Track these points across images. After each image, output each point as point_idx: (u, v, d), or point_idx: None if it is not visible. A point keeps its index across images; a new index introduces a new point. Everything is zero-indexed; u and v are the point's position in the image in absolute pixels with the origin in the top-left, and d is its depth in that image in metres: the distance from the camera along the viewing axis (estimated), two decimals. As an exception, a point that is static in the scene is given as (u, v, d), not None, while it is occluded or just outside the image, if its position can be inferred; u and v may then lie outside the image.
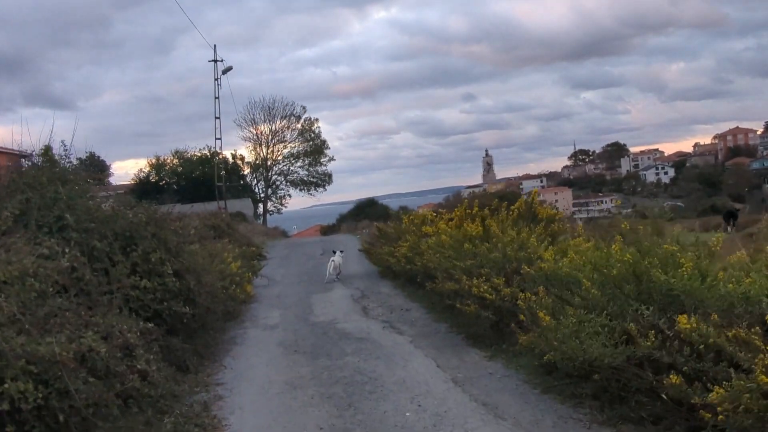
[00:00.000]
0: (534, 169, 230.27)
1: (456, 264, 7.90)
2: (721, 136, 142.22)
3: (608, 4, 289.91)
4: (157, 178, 48.87)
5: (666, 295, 4.12)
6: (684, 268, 4.10)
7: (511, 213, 9.27)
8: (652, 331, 3.81)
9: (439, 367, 6.42)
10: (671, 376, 3.49)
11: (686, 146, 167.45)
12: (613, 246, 4.75)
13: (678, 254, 4.30)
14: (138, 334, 5.62)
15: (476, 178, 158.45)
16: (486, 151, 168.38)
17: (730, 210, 33.41)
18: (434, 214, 13.12)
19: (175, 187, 47.86)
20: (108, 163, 48.18)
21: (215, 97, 34.74)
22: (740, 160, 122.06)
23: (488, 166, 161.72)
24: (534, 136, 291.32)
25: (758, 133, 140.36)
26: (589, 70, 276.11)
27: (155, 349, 6.10)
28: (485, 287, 6.94)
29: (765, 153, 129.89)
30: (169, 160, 49.77)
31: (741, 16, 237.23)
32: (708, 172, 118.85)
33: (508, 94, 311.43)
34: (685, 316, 3.59)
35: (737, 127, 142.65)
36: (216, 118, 35.10)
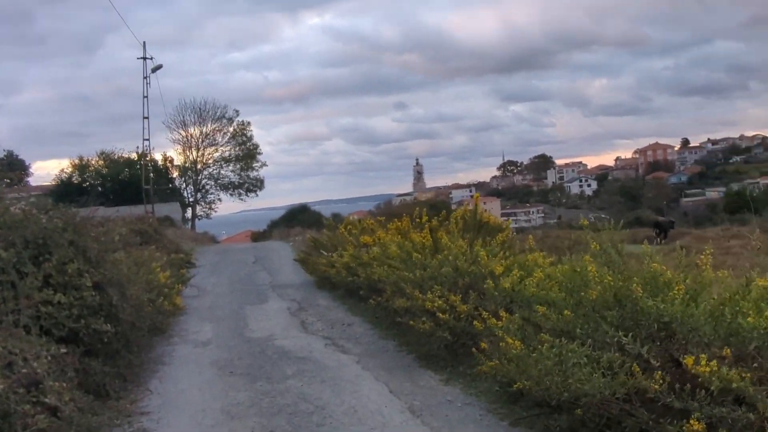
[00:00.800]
0: (463, 178, 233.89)
1: (406, 276, 7.37)
2: (641, 151, 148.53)
3: (537, 20, 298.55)
4: (80, 179, 46.63)
5: (655, 322, 3.72)
6: (675, 291, 3.70)
7: (457, 223, 8.83)
8: (660, 372, 3.37)
9: (393, 393, 5.86)
10: (692, 422, 3.07)
11: (608, 160, 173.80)
12: (590, 267, 4.31)
13: (666, 275, 3.91)
14: (48, 359, 4.85)
15: (407, 187, 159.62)
16: (416, 160, 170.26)
17: (657, 221, 34.30)
18: (374, 222, 12.58)
19: (99, 189, 45.81)
20: (28, 163, 45.62)
21: (144, 96, 33.21)
22: (659, 175, 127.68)
23: (419, 174, 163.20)
24: (464, 146, 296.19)
25: (676, 149, 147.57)
26: (518, 84, 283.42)
27: (69, 374, 5.32)
28: (439, 303, 6.45)
29: (682, 168, 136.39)
30: (93, 161, 47.58)
31: (661, 37, 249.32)
32: (629, 186, 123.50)
33: (440, 104, 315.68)
34: (692, 357, 3.17)
35: (656, 143, 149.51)
36: (144, 118, 33.56)
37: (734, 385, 2.99)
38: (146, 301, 8.50)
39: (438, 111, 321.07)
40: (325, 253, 13.47)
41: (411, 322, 6.92)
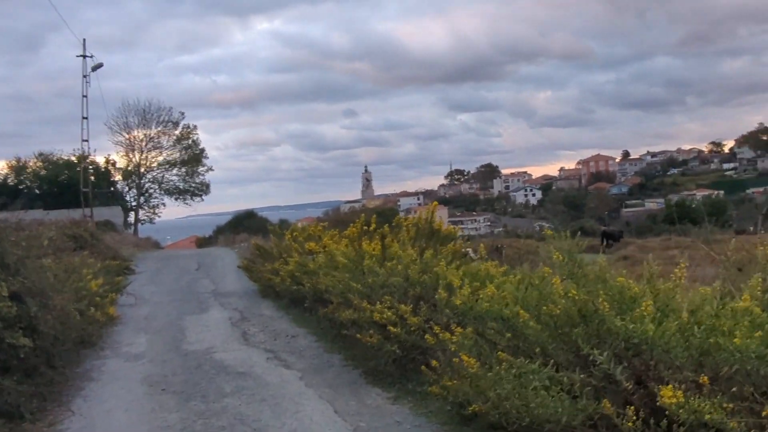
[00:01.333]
0: (412, 186, 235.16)
1: (353, 285, 6.98)
2: (584, 162, 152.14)
3: (484, 32, 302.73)
4: (16, 181, 44.74)
5: (623, 341, 3.45)
6: (643, 308, 3.44)
7: (409, 230, 8.50)
8: (632, 407, 3.08)
9: (337, 414, 5.46)
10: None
11: (552, 170, 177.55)
12: (554, 279, 4.03)
13: (632, 289, 3.65)
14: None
15: (355, 194, 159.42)
16: (365, 167, 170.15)
17: (606, 231, 34.90)
18: (321, 229, 12.15)
19: (37, 191, 44.10)
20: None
21: (83, 96, 31.78)
22: (601, 185, 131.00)
23: (367, 182, 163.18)
24: (412, 154, 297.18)
25: (617, 160, 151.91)
26: (466, 94, 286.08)
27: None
28: (389, 314, 6.09)
29: (623, 179, 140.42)
30: (32, 163, 45.73)
31: (603, 51, 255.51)
32: (572, 196, 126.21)
33: (388, 112, 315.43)
34: (669, 388, 2.88)
35: (598, 154, 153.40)
36: (83, 118, 32.18)
37: (707, 417, 2.73)
38: (74, 312, 7.89)
39: (387, 119, 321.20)
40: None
41: (358, 336, 6.55)
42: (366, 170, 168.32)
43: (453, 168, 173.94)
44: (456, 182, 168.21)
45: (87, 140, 33.16)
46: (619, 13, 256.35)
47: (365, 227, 8.59)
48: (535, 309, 4.17)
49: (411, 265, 6.73)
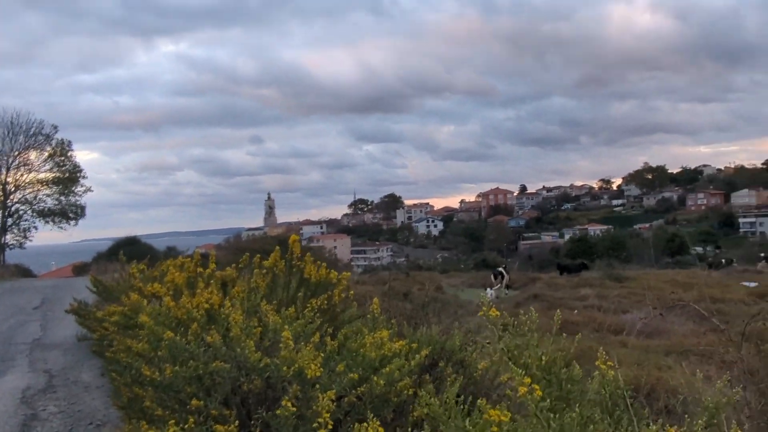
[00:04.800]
0: (316, 215, 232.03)
1: (145, 375, 4.23)
2: (484, 195, 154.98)
3: (392, 64, 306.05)
4: None
5: None
6: None
7: (264, 276, 5.85)
8: None
9: None
10: None
11: (454, 202, 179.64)
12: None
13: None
14: None
15: (258, 221, 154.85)
16: (268, 194, 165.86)
17: (563, 264, 33.33)
18: (170, 264, 9.33)
19: None
20: None
21: None
22: (500, 218, 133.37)
23: (270, 209, 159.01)
24: (317, 182, 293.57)
25: (515, 194, 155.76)
26: (373, 124, 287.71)
27: None
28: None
29: (520, 212, 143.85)
30: None
31: (505, 89, 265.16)
32: (472, 227, 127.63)
33: (295, 139, 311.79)
34: None
35: (498, 188, 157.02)
36: None
37: None
38: None
39: (293, 146, 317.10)
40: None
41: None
42: (269, 197, 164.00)
43: (357, 197, 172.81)
44: (360, 212, 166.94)
45: None
46: (520, 54, 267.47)
47: (199, 269, 5.93)
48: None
49: (247, 339, 4.13)
